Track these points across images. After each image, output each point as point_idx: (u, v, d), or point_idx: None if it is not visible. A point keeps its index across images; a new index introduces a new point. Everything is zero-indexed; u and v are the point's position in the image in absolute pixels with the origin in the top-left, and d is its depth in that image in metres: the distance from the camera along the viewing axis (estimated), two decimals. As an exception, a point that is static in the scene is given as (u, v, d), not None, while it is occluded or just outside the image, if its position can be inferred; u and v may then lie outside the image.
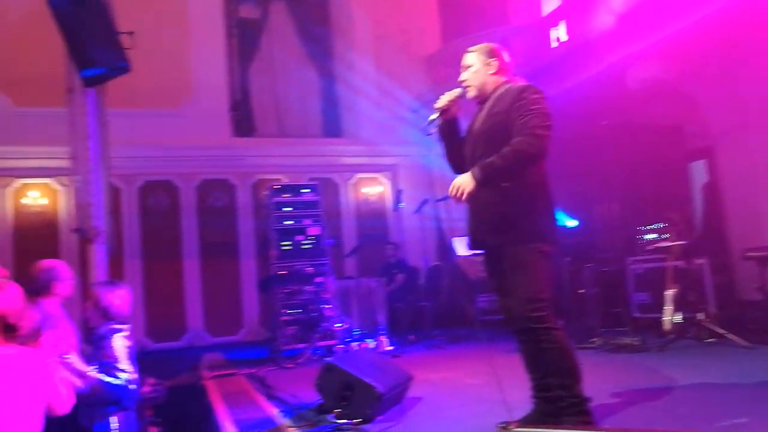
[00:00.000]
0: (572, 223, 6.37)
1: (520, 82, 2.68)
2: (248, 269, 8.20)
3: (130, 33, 5.32)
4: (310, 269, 6.18)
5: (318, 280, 6.21)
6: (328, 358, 3.71)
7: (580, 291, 5.63)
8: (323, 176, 8.54)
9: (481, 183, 2.49)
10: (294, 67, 9.25)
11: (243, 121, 8.95)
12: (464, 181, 2.52)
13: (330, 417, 3.16)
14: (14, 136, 7.09)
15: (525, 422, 2.45)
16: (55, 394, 2.13)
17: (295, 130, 9.22)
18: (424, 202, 6.93)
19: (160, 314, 7.48)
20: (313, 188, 6.63)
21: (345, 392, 3.20)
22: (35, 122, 7.08)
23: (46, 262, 3.57)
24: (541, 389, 2.55)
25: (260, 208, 8.33)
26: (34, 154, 7.22)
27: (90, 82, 5.18)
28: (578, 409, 2.45)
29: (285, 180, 8.09)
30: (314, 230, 6.37)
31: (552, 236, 2.58)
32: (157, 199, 8.00)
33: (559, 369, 2.47)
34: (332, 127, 9.43)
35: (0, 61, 7.24)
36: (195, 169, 8.17)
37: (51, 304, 3.33)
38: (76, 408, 3.12)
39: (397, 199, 6.87)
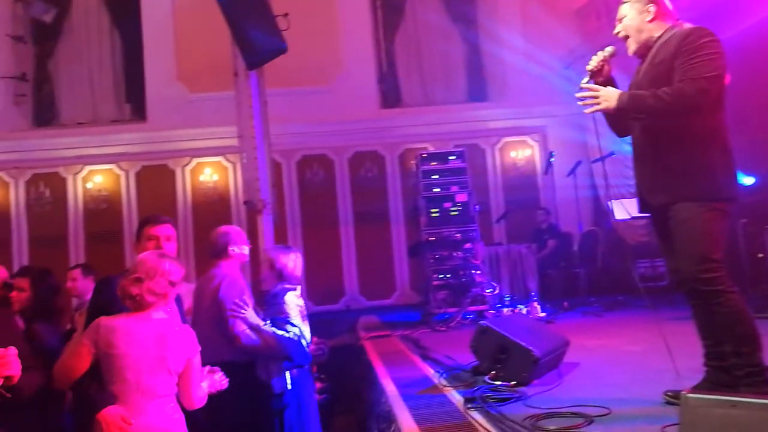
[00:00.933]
0: (749, 180, 5.74)
1: (687, 26, 2.45)
2: (399, 236, 8.48)
3: (285, 15, 5.65)
4: (458, 235, 6.23)
5: (467, 246, 6.25)
6: (482, 321, 3.74)
7: (759, 255, 5.10)
8: (469, 142, 8.49)
9: (622, 109, 2.33)
10: (438, 34, 9.22)
11: (390, 93, 9.15)
12: (609, 96, 2.36)
13: (485, 378, 3.21)
14: (190, 120, 7.90)
15: (698, 390, 2.32)
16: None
17: (440, 97, 9.24)
18: (578, 164, 6.64)
19: (319, 279, 8.01)
20: (460, 155, 6.63)
21: (500, 355, 3.22)
22: (207, 106, 7.83)
23: (223, 228, 3.90)
24: (714, 357, 2.38)
25: (408, 177, 8.53)
26: (207, 135, 8.00)
27: (252, 64, 5.61)
28: (757, 378, 2.25)
29: (431, 148, 8.18)
30: (462, 197, 6.39)
31: (729, 193, 2.36)
32: (314, 172, 8.51)
33: (735, 335, 2.29)
34: (477, 92, 9.31)
35: (178, 54, 8.08)
36: (347, 142, 8.54)
37: (230, 266, 3.64)
38: (254, 362, 3.46)
39: (549, 162, 6.65)
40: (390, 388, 3.47)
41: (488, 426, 2.50)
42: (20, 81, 8.11)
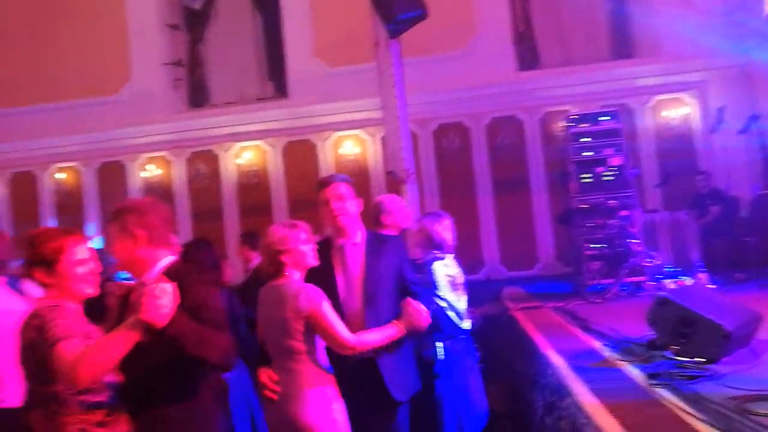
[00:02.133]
0: None
1: None
2: (541, 204, 8.16)
3: (424, -21, 5.52)
4: (613, 202, 5.84)
5: (622, 213, 5.84)
6: (661, 292, 3.47)
7: None
8: (615, 102, 7.90)
9: None
10: (578, -12, 8.64)
11: (527, 54, 8.75)
12: None
13: (667, 353, 2.97)
14: (330, 95, 8.08)
15: None
16: None
17: (581, 56, 8.68)
18: (753, 118, 5.91)
19: (459, 248, 7.91)
20: (613, 115, 6.17)
21: (683, 329, 2.96)
22: (346, 80, 7.96)
23: (379, 198, 3.92)
24: None
25: (550, 141, 8.14)
26: (346, 109, 8.14)
27: (394, 32, 5.56)
28: None
29: (573, 110, 7.72)
30: (616, 160, 5.96)
31: None
32: (450, 141, 8.39)
33: None
34: (623, 48, 8.63)
35: (317, 30, 8.27)
36: (483, 108, 8.31)
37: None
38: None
39: (718, 119, 5.98)
40: (557, 359, 3.33)
41: (682, 405, 2.30)
42: (176, 66, 8.74)
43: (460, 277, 3.71)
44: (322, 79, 8.19)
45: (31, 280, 2.49)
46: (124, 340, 2.01)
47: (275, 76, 8.76)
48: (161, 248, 2.52)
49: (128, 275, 3.09)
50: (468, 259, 8.17)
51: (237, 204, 8.44)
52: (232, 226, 8.34)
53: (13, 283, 3.80)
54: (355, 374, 2.82)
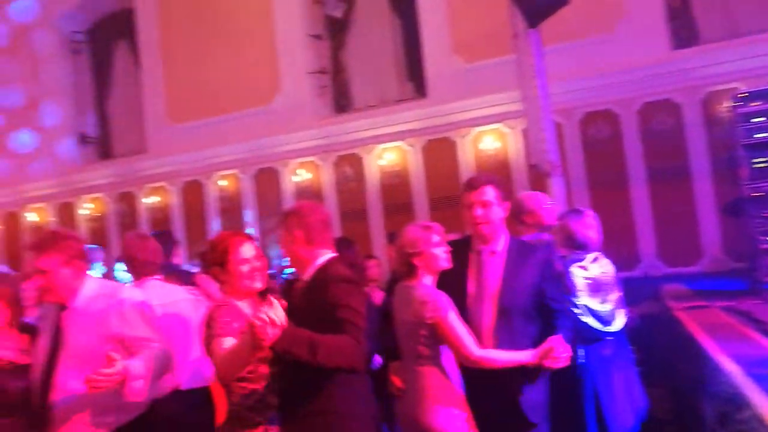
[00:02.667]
0: None
1: None
2: (704, 193, 7.43)
3: (567, -38, 5.27)
4: (793, 188, 5.16)
5: (806, 200, 5.14)
6: None
7: None
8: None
9: None
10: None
11: (683, 30, 8.01)
12: None
13: None
14: (468, 91, 8.02)
15: None
16: None
17: (748, 26, 7.76)
18: None
19: (611, 244, 7.43)
20: (791, 90, 5.45)
21: None
22: (484, 74, 7.86)
23: (520, 195, 3.81)
24: None
25: (713, 124, 7.39)
26: (485, 104, 8.03)
27: (534, 21, 5.38)
28: None
29: (741, 88, 6.92)
30: (796, 142, 5.26)
31: None
32: (598, 129, 7.93)
33: None
34: (802, 13, 7.58)
35: (453, 27, 8.25)
36: (634, 92, 7.75)
37: (528, 233, 3.55)
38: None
39: None
40: (730, 366, 3.02)
41: None
42: (321, 74, 9.18)
43: (609, 276, 3.49)
44: (460, 76, 8.15)
45: (209, 277, 2.88)
46: (246, 350, 2.31)
47: (414, 77, 8.87)
48: (319, 247, 2.69)
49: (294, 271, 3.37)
50: (622, 255, 7.68)
51: (380, 204, 8.67)
52: (376, 225, 8.60)
53: (186, 277, 4.24)
54: (488, 392, 2.74)
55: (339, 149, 8.89)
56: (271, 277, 5.32)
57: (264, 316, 2.15)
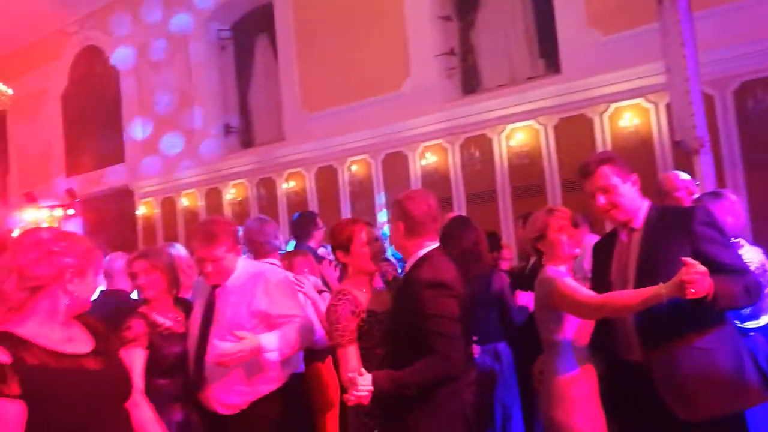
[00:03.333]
0: None
1: None
2: None
3: None
4: None
5: None
6: None
7: None
8: None
9: None
10: None
11: None
12: None
13: None
14: (605, 65, 7.56)
15: None
16: None
17: None
18: None
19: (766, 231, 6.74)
20: None
21: None
22: (622, 46, 7.37)
23: (662, 176, 3.58)
24: None
25: None
26: (624, 78, 7.53)
27: (682, -16, 4.95)
28: None
29: None
30: None
31: None
32: (757, 101, 7.12)
33: None
34: None
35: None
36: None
37: None
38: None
39: None
40: None
41: None
42: (449, 56, 9.12)
43: (754, 265, 3.15)
44: (596, 49, 7.71)
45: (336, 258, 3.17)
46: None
47: (546, 53, 8.53)
48: (421, 239, 2.73)
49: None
50: (784, 240, 6.89)
51: (509, 186, 8.48)
52: (505, 208, 8.43)
53: (313, 261, 4.47)
54: (639, 389, 2.54)
55: (467, 131, 8.80)
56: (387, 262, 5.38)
57: (354, 393, 2.46)
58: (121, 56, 13.18)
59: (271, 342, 3.04)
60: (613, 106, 7.76)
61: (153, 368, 3.16)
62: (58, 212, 13.81)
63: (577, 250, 2.81)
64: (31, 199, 14.16)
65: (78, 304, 1.98)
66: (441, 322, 2.51)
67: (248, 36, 11.81)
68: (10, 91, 12.15)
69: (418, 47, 9.13)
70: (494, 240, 5.66)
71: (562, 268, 2.78)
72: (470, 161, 8.81)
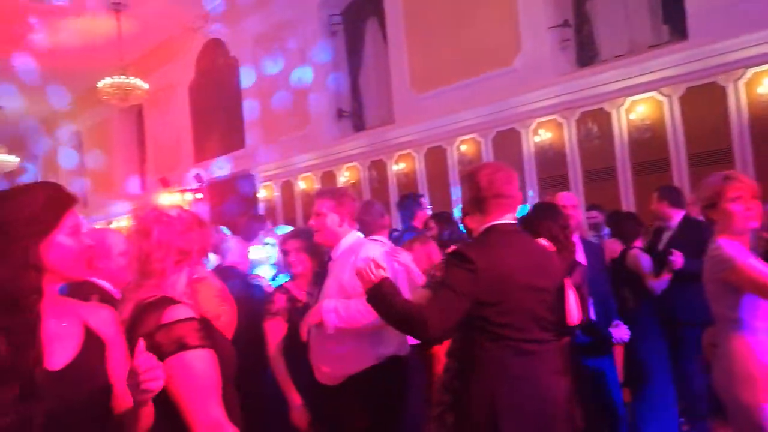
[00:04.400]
0: None
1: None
2: None
3: None
4: None
5: None
6: None
7: None
8: None
9: None
10: None
11: None
12: None
13: None
14: (739, 26, 6.88)
15: None
16: None
17: None
18: None
19: None
20: None
21: None
22: (760, 5, 6.70)
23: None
24: None
25: None
26: (762, 40, 6.83)
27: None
28: None
29: None
30: None
31: None
32: None
33: None
34: None
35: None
36: None
37: None
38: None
39: None
40: None
41: None
42: (563, 28, 8.74)
43: None
44: (727, 10, 7.04)
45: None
46: None
47: (671, 18, 7.92)
48: (492, 215, 2.64)
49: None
50: None
51: (630, 162, 8.02)
52: (626, 185, 7.99)
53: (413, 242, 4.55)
54: None
55: (583, 105, 8.41)
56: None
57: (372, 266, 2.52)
58: (240, 47, 13.94)
59: (329, 306, 3.16)
60: (750, 71, 7.07)
61: (293, 340, 3.41)
62: (188, 196, 14.96)
63: (754, 223, 2.59)
64: (165, 184, 15.44)
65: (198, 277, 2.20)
66: (439, 287, 2.45)
67: (358, 21, 12.00)
68: (146, 86, 13.29)
69: (530, 20, 8.83)
70: (633, 220, 5.45)
71: (730, 237, 2.59)
72: (587, 137, 8.42)
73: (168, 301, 1.97)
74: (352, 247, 3.42)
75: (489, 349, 2.41)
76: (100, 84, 12.78)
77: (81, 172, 20.16)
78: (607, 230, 6.16)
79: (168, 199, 15.03)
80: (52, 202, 1.64)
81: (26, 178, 19.72)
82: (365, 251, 3.32)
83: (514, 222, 2.63)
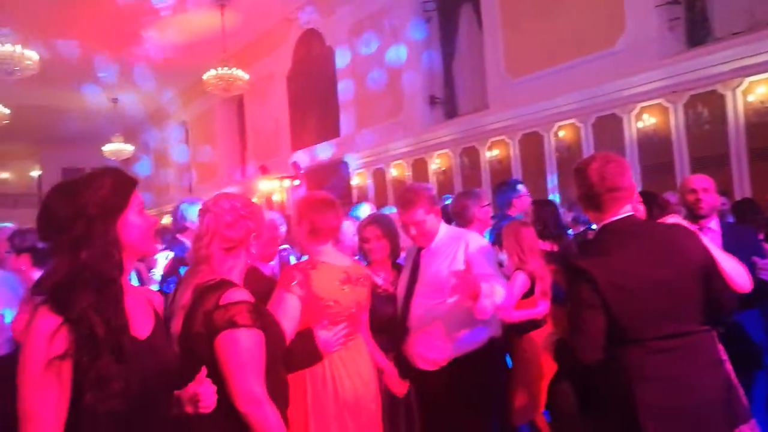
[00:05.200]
0: None
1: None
2: None
3: None
4: None
5: None
6: None
7: None
8: None
9: None
10: None
11: None
12: None
13: None
14: None
15: None
16: None
17: None
18: None
19: None
20: None
21: None
22: None
23: None
24: None
25: None
26: None
27: None
28: None
29: None
30: None
31: None
32: None
33: None
34: None
35: None
36: None
37: None
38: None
39: None
40: None
41: None
42: (672, 5, 8.18)
43: None
44: None
45: None
46: None
47: (797, -10, 7.22)
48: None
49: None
50: None
51: (746, 148, 7.41)
52: (740, 173, 7.39)
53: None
54: None
55: (692, 88, 7.85)
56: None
57: None
58: (335, 36, 14.19)
59: (486, 288, 3.01)
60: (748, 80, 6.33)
61: (370, 326, 3.45)
62: (286, 182, 15.49)
63: None
64: (264, 171, 16.08)
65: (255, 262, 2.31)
66: (572, 312, 2.40)
67: (452, 6, 11.85)
68: (246, 77, 13.85)
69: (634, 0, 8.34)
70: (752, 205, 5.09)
71: None
72: (696, 121, 7.87)
73: (228, 284, 2.12)
74: (451, 237, 3.48)
75: (623, 354, 2.27)
76: (205, 76, 13.45)
77: (188, 162, 21.46)
78: (731, 219, 5.74)
79: (267, 185, 15.65)
80: (118, 185, 1.77)
81: (140, 166, 21.27)
82: (474, 241, 3.45)
83: (631, 214, 2.47)
